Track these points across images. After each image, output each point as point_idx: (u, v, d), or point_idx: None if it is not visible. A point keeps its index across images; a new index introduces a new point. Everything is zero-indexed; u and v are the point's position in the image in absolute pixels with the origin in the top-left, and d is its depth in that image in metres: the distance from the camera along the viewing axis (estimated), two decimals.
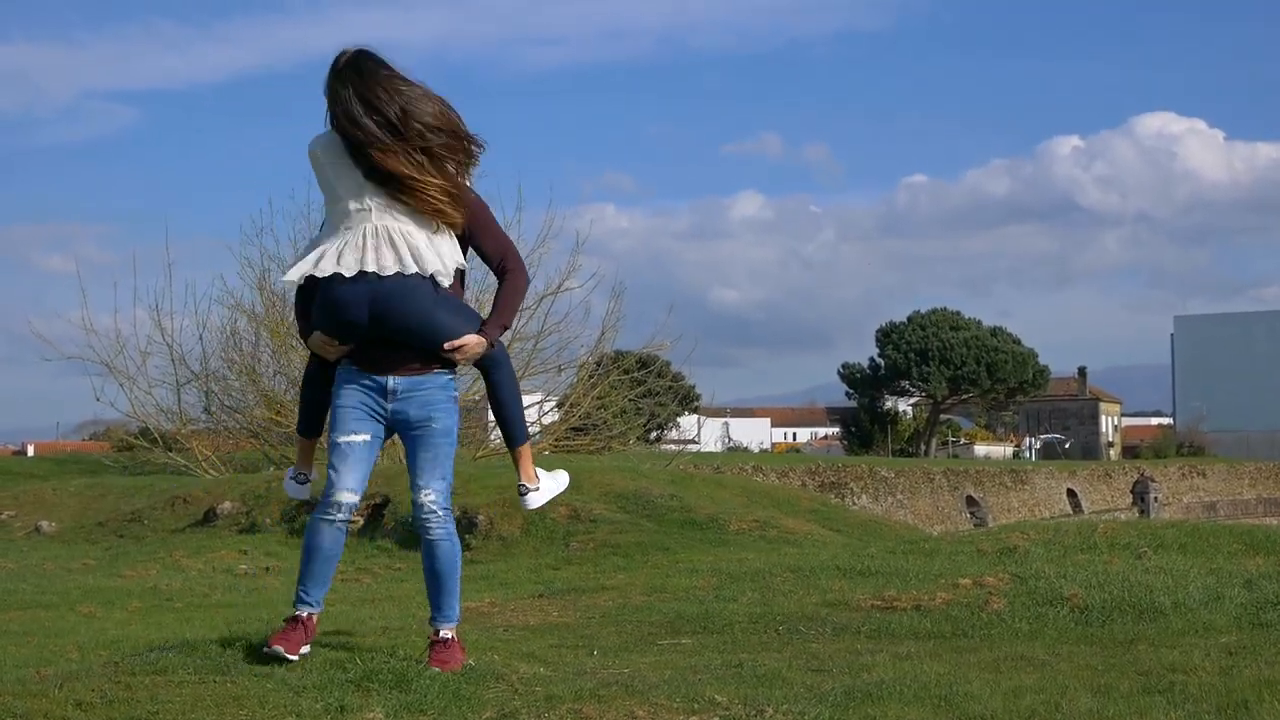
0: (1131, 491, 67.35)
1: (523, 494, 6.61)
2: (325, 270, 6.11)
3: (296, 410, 6.86)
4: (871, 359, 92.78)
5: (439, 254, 6.16)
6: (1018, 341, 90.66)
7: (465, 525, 16.41)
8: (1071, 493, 65.95)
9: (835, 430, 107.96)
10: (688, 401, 57.33)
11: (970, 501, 58.29)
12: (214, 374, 30.53)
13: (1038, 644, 6.58)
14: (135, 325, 29.90)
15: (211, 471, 28.41)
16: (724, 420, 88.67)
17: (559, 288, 29.50)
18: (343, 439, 6.20)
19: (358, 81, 6.10)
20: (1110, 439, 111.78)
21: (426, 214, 6.13)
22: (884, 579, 8.75)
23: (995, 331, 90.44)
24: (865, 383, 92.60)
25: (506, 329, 6.49)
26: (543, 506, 6.69)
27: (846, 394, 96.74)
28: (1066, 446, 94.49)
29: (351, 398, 6.24)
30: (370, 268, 6.04)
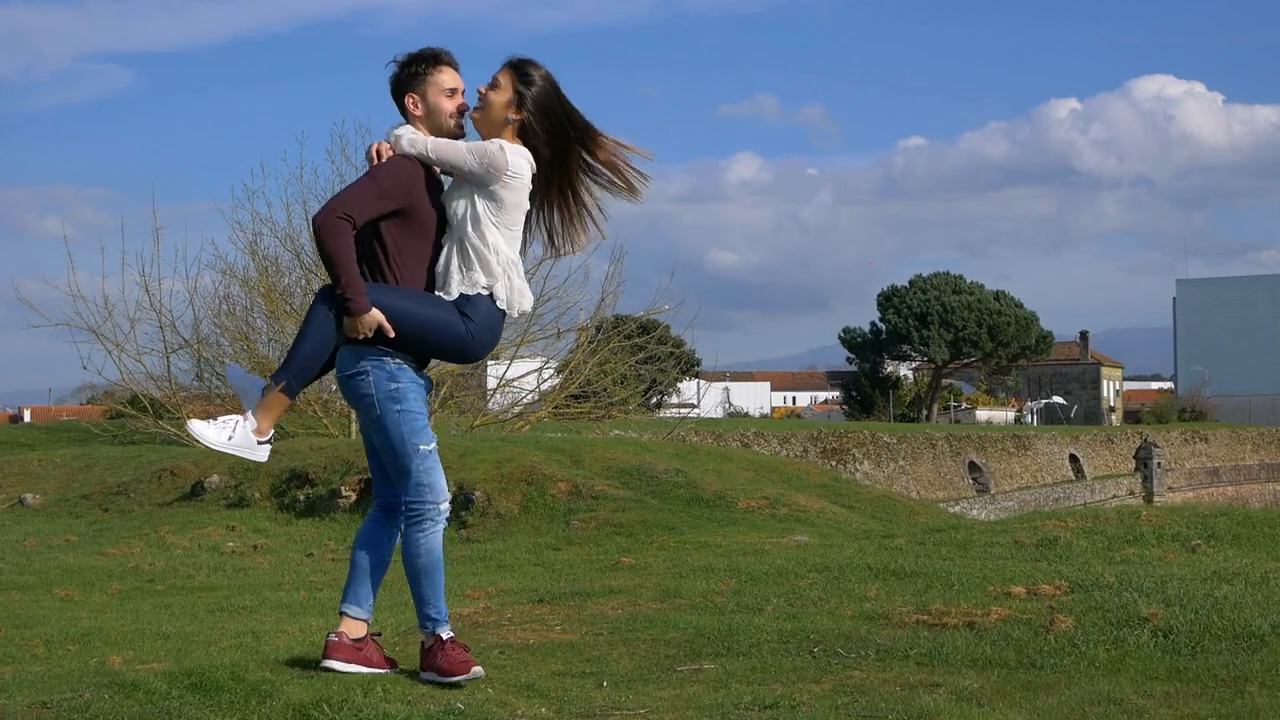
0: (1135, 457, 67.16)
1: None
2: (524, 307, 6.12)
3: (283, 358, 6.07)
4: (872, 323, 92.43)
5: None
6: (1020, 305, 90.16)
7: (461, 502, 15.76)
8: (1074, 458, 65.76)
9: (836, 395, 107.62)
10: (689, 367, 56.70)
11: (973, 467, 58.04)
12: (205, 339, 29.86)
13: (1123, 680, 5.68)
14: (124, 291, 29.18)
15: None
16: (724, 386, 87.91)
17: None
18: (428, 445, 5.96)
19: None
20: (1112, 404, 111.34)
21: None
22: (923, 583, 7.93)
23: (998, 295, 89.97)
24: (866, 347, 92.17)
25: None
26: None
27: (847, 359, 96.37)
28: (1072, 414, 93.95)
29: (419, 400, 5.99)
30: (526, 308, 6.19)
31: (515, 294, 6.00)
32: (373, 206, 5.83)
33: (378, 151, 6.01)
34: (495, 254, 5.90)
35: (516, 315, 6.11)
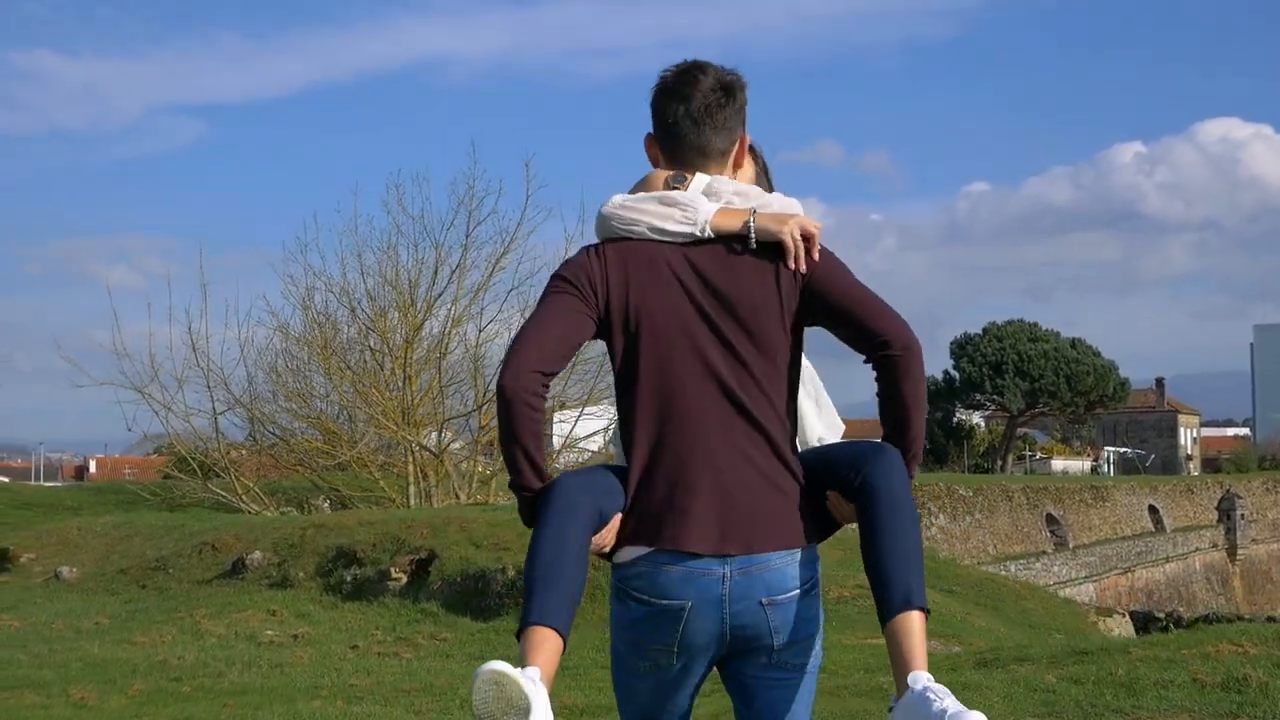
0: (1217, 508, 65.93)
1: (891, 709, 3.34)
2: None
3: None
4: (945, 371, 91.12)
5: None
6: (1098, 353, 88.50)
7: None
8: (1153, 509, 64.19)
9: None
10: None
11: (1050, 519, 56.48)
12: (259, 396, 28.69)
13: None
14: (171, 349, 27.99)
15: (254, 505, 26.58)
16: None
17: None
18: None
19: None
20: (1189, 451, 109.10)
21: None
22: None
23: (1074, 343, 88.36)
24: (939, 395, 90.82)
25: None
26: None
27: None
28: (1149, 463, 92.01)
29: None
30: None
31: None
32: None
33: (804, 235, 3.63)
34: None
35: None
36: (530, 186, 28.25)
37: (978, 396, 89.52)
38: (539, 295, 3.57)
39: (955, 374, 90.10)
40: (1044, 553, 52.13)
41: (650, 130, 3.84)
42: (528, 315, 3.55)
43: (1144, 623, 27.89)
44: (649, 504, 3.48)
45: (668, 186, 3.67)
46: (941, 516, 49.95)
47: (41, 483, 71.18)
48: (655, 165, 3.83)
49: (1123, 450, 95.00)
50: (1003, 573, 45.66)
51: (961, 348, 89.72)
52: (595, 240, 3.65)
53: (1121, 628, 18.93)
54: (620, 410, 3.62)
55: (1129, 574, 54.64)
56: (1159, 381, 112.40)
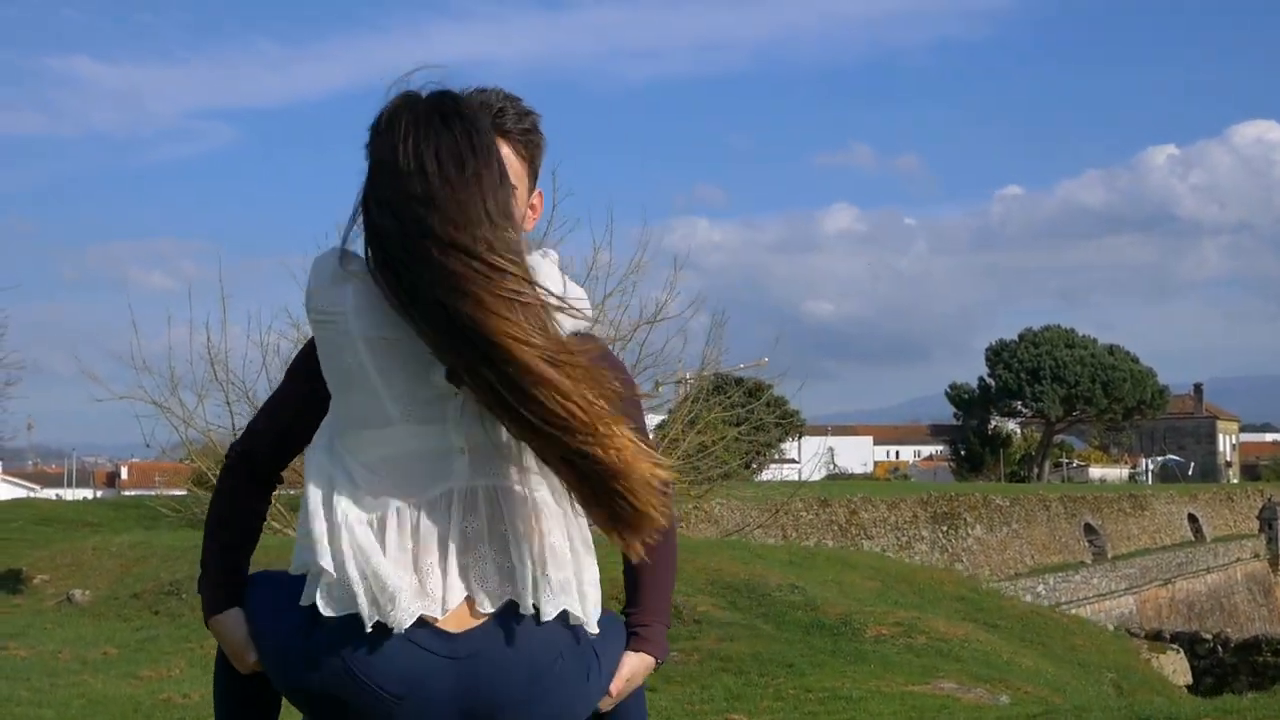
0: (1258, 517, 65.49)
1: None
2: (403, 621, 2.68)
3: None
4: (981, 378, 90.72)
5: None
6: (1135, 360, 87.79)
7: None
8: (1192, 518, 63.77)
9: (940, 449, 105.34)
10: (791, 428, 54.71)
11: (1088, 529, 56.11)
12: None
13: None
14: (191, 363, 27.36)
15: (275, 524, 26.01)
16: (826, 443, 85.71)
17: (656, 316, 26.58)
18: None
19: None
20: (1228, 458, 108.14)
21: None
22: None
23: (1112, 349, 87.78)
24: (974, 403, 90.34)
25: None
26: None
27: (955, 416, 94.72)
28: (1190, 471, 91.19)
29: None
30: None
31: None
32: None
33: None
34: None
35: None
36: (556, 196, 27.56)
37: (1014, 404, 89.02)
38: None
39: (991, 381, 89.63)
40: (1083, 564, 51.56)
41: (532, 183, 3.07)
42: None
43: (1190, 644, 27.20)
44: None
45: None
46: (978, 527, 49.34)
47: (74, 489, 71.38)
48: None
49: (1162, 458, 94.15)
50: (1041, 586, 45.02)
51: (997, 354, 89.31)
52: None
53: (1176, 665, 18.20)
54: None
55: (1169, 585, 53.94)
56: (1197, 387, 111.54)
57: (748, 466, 53.38)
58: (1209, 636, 30.27)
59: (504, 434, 2.63)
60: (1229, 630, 33.50)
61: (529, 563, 2.64)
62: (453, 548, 2.63)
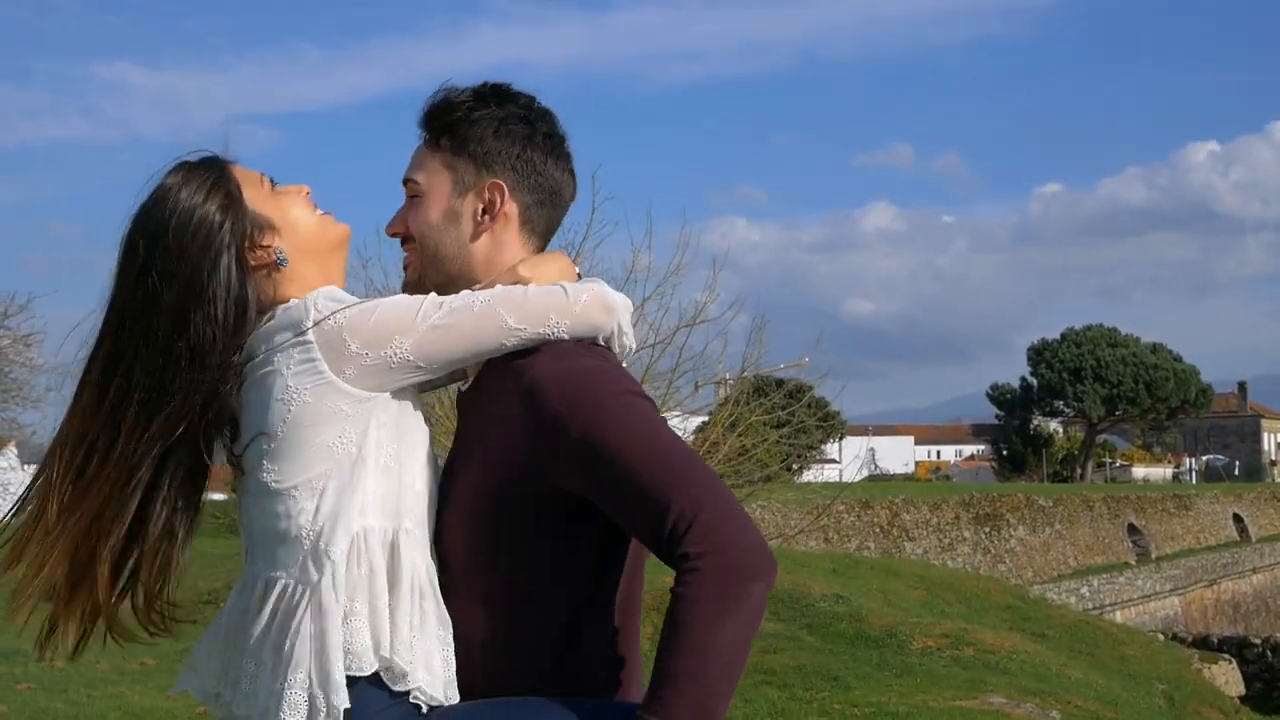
0: None
1: None
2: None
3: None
4: (1022, 378, 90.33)
5: None
6: (1178, 359, 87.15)
7: None
8: (1238, 517, 63.28)
9: (982, 449, 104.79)
10: (833, 430, 54.37)
11: (1132, 530, 55.68)
12: None
13: None
14: None
15: None
16: (867, 443, 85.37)
17: (696, 318, 26.31)
18: None
19: None
20: (1273, 456, 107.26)
21: None
22: None
23: (1155, 348, 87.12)
24: (1015, 403, 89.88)
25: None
26: None
27: (996, 416, 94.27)
28: (1235, 470, 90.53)
29: None
30: None
31: None
32: None
33: None
34: None
35: None
36: (596, 199, 27.28)
37: (1056, 403, 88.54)
38: (642, 409, 2.36)
39: (1033, 380, 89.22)
40: (1127, 565, 51.16)
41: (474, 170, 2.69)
42: (674, 445, 2.30)
43: (1239, 649, 26.91)
44: None
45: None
46: (1021, 528, 48.97)
47: None
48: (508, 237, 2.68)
49: (1206, 457, 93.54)
50: (1085, 588, 44.62)
51: (1039, 353, 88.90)
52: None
53: (1228, 675, 17.92)
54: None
55: (1214, 586, 53.46)
56: (1241, 385, 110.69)
57: (789, 469, 53.18)
58: (1257, 641, 29.94)
59: None
60: (1277, 634, 33.15)
61: None
62: None
